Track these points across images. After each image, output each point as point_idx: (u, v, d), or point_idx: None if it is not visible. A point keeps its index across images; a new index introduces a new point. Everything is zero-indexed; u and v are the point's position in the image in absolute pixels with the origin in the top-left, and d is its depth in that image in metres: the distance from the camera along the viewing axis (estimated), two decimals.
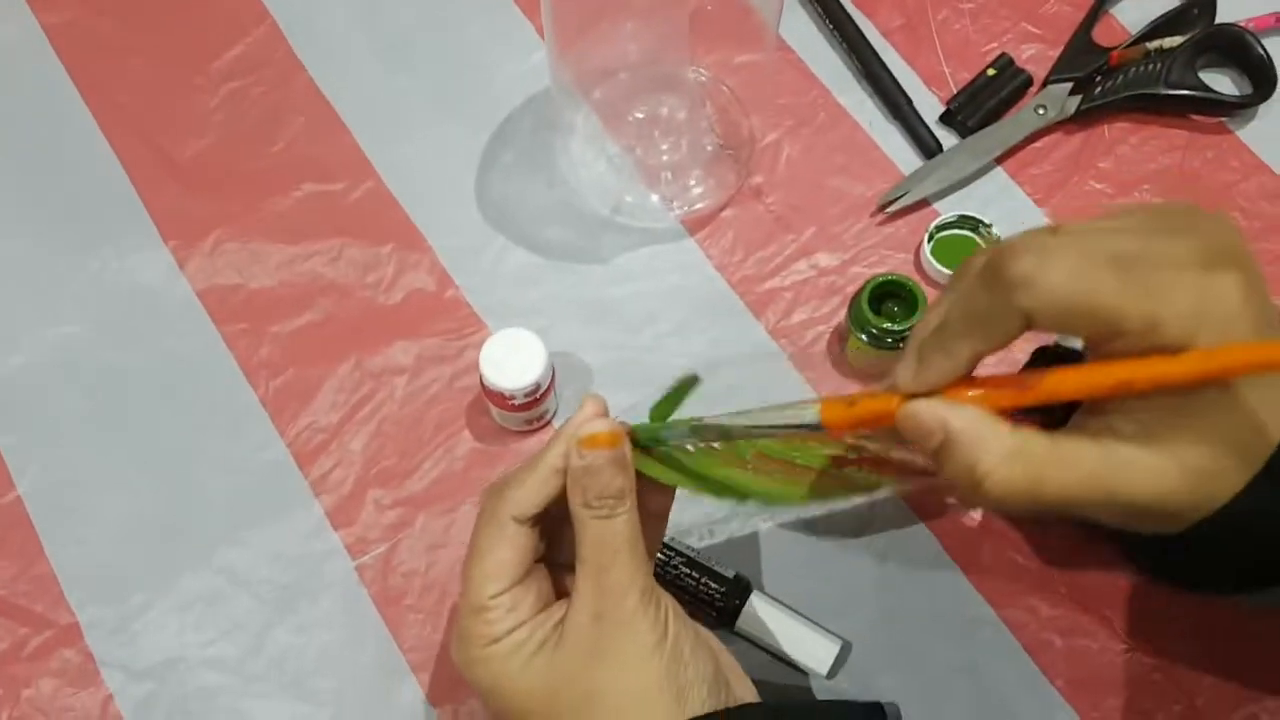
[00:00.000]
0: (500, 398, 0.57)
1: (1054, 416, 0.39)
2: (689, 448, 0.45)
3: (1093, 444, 0.36)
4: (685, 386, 0.45)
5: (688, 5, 0.62)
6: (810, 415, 0.40)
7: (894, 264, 0.65)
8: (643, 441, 0.45)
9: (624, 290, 0.65)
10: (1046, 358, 0.47)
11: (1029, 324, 0.35)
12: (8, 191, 0.68)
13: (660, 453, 0.45)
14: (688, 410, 0.45)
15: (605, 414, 0.44)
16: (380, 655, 0.57)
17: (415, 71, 0.71)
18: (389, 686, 0.56)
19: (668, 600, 0.43)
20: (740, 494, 0.45)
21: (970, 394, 0.37)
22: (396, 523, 0.60)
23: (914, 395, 0.38)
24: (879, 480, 0.46)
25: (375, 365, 0.63)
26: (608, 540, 0.41)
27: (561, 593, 0.45)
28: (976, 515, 0.59)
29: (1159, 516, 0.37)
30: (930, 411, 0.37)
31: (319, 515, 0.60)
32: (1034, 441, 0.36)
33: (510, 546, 0.43)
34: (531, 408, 0.58)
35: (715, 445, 0.45)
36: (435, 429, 0.62)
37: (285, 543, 0.59)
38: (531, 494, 0.43)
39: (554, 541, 0.46)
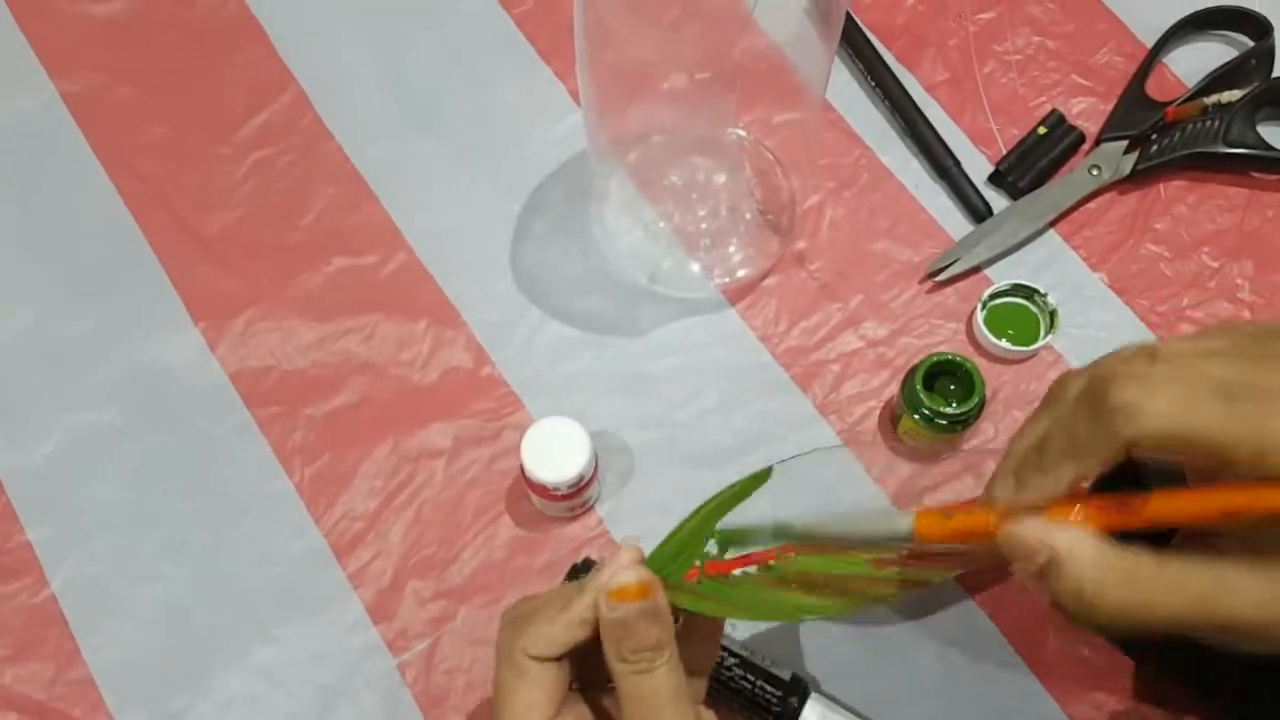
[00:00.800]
0: (544, 489, 0.55)
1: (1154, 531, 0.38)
2: (735, 573, 0.43)
3: (1201, 565, 0.35)
4: (757, 481, 0.44)
5: (730, 64, 0.60)
6: (904, 527, 0.40)
7: (945, 334, 0.63)
8: (673, 572, 0.43)
9: (664, 364, 0.63)
10: (1130, 469, 0.45)
11: (1131, 450, 0.34)
12: (29, 269, 0.67)
13: (696, 585, 0.43)
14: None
15: (640, 561, 0.42)
16: None
17: (445, 136, 0.70)
18: None
19: None
20: (788, 614, 0.43)
21: (1074, 513, 0.36)
22: (438, 616, 0.58)
23: (1012, 514, 0.37)
24: (920, 574, 0.45)
25: (412, 448, 0.62)
26: (648, 697, 0.39)
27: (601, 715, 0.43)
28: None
29: (1270, 640, 0.35)
30: (1035, 533, 0.36)
31: (358, 610, 0.58)
32: (1143, 563, 0.35)
33: (536, 686, 0.40)
34: (576, 496, 0.57)
35: (784, 558, 0.43)
36: (475, 514, 0.60)
37: (324, 639, 0.58)
38: (555, 639, 0.40)
39: (587, 666, 0.44)
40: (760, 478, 0.44)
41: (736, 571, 0.44)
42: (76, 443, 0.62)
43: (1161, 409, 0.33)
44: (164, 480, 0.62)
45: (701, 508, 0.44)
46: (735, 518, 0.44)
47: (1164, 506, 0.35)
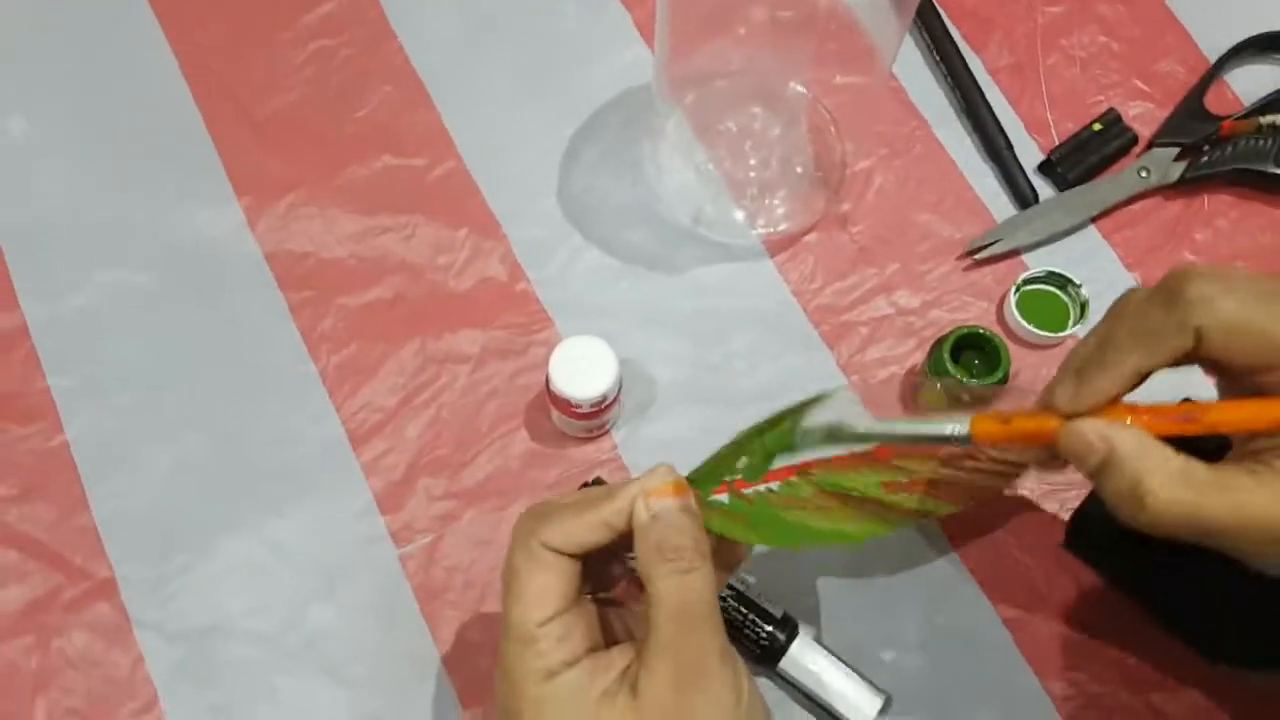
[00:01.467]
0: (566, 404, 0.56)
1: (1204, 452, 0.39)
2: (750, 493, 0.44)
3: (1253, 476, 0.37)
4: (817, 400, 0.45)
5: (809, 13, 0.60)
6: (960, 427, 0.41)
7: (975, 312, 0.64)
8: (704, 490, 0.44)
9: (697, 304, 0.64)
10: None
11: (1196, 345, 0.37)
12: (84, 130, 0.67)
13: (717, 504, 0.44)
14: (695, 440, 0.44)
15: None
16: (414, 648, 0.56)
17: (507, 52, 0.70)
18: (420, 680, 0.56)
19: (738, 658, 0.42)
20: (800, 535, 0.45)
21: (1132, 418, 0.38)
22: (444, 514, 0.59)
23: (1073, 415, 0.39)
24: (928, 503, 0.46)
25: (439, 351, 0.62)
26: (689, 601, 0.39)
27: (609, 636, 0.44)
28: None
29: None
30: (1096, 429, 0.38)
31: (368, 498, 0.59)
32: (1197, 467, 0.37)
33: (552, 571, 0.40)
34: (596, 417, 0.57)
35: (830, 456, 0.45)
36: (492, 424, 0.61)
37: (331, 521, 0.58)
38: (575, 535, 0.40)
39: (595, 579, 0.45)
40: (782, 416, 0.45)
41: (760, 488, 0.45)
42: (108, 300, 0.63)
43: (1234, 303, 0.36)
44: (190, 348, 0.62)
45: (737, 437, 0.45)
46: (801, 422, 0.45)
47: (1225, 413, 0.37)
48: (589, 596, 0.44)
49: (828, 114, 0.67)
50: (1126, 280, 0.65)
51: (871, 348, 0.63)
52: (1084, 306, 0.62)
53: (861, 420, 0.44)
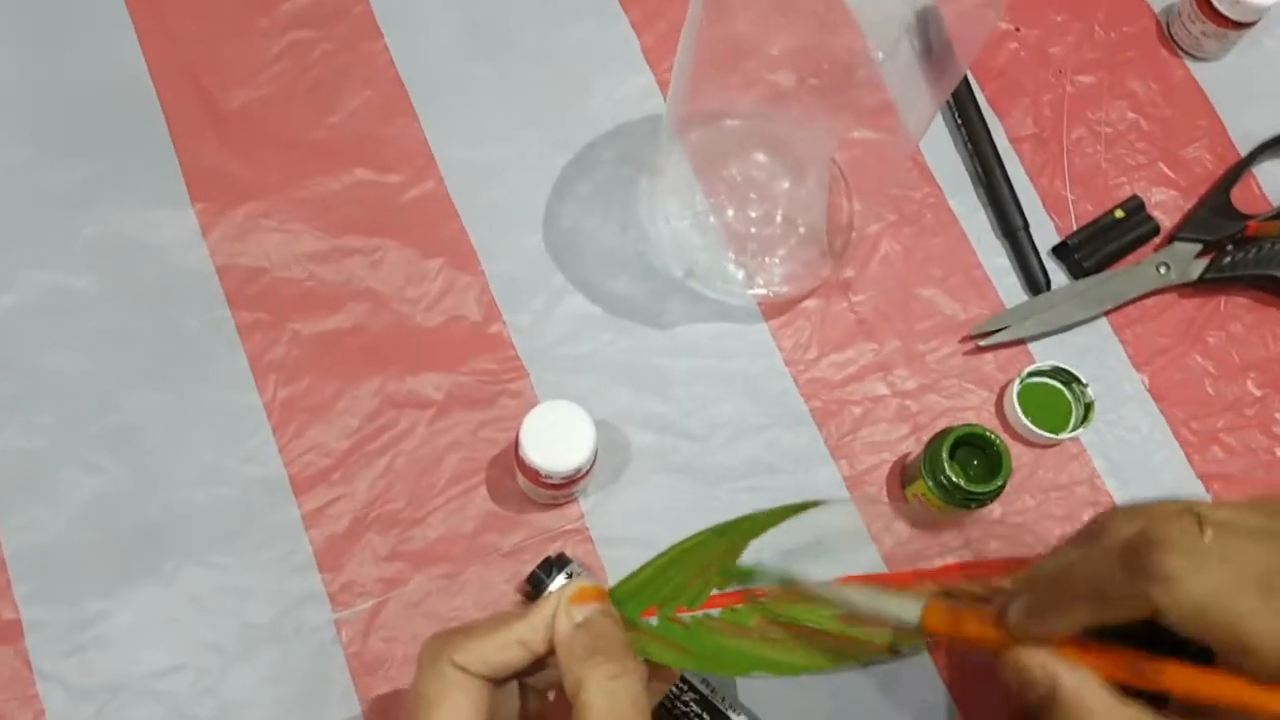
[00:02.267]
0: (534, 473, 0.51)
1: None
2: (687, 619, 0.41)
3: None
4: (723, 536, 0.41)
5: (841, 69, 0.55)
6: (911, 614, 0.39)
7: (974, 401, 0.60)
8: (630, 610, 0.40)
9: (683, 364, 0.59)
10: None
11: (1154, 616, 0.34)
12: (31, 104, 0.61)
13: (652, 625, 0.40)
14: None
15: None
16: None
17: (503, 66, 0.64)
18: None
19: None
20: (746, 666, 0.41)
21: (1084, 658, 0.36)
22: (390, 577, 0.54)
23: (1022, 639, 0.37)
24: (893, 639, 0.43)
25: (400, 393, 0.57)
26: (622, 710, 0.36)
27: None
28: None
29: None
30: (1042, 666, 0.36)
31: (306, 552, 0.54)
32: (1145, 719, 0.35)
33: (463, 694, 0.37)
34: (564, 488, 0.53)
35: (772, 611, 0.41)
36: (451, 479, 0.56)
37: (262, 575, 0.53)
38: (487, 654, 0.37)
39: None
40: (726, 531, 0.41)
41: (698, 613, 0.41)
42: (41, 303, 0.57)
43: (1202, 589, 0.33)
44: (125, 363, 0.56)
45: (669, 550, 0.41)
46: (748, 555, 0.41)
47: (1178, 680, 0.35)
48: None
49: (839, 170, 0.63)
50: (1133, 380, 0.61)
51: (864, 430, 0.59)
52: (1089, 408, 0.58)
53: (820, 571, 0.40)
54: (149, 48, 0.62)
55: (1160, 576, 0.33)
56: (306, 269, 0.59)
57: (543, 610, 0.38)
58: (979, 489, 0.53)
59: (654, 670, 0.40)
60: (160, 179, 0.60)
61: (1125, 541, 0.35)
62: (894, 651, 0.43)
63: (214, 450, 0.55)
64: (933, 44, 0.49)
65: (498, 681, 0.38)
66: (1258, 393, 0.62)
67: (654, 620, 0.41)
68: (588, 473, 0.53)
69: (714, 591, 0.42)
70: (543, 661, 0.38)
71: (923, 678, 0.55)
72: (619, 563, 0.55)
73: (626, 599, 0.40)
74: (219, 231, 0.59)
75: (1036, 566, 0.38)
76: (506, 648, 0.37)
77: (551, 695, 0.42)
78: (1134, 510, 0.37)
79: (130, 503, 0.54)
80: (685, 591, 0.41)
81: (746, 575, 0.41)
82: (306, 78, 0.63)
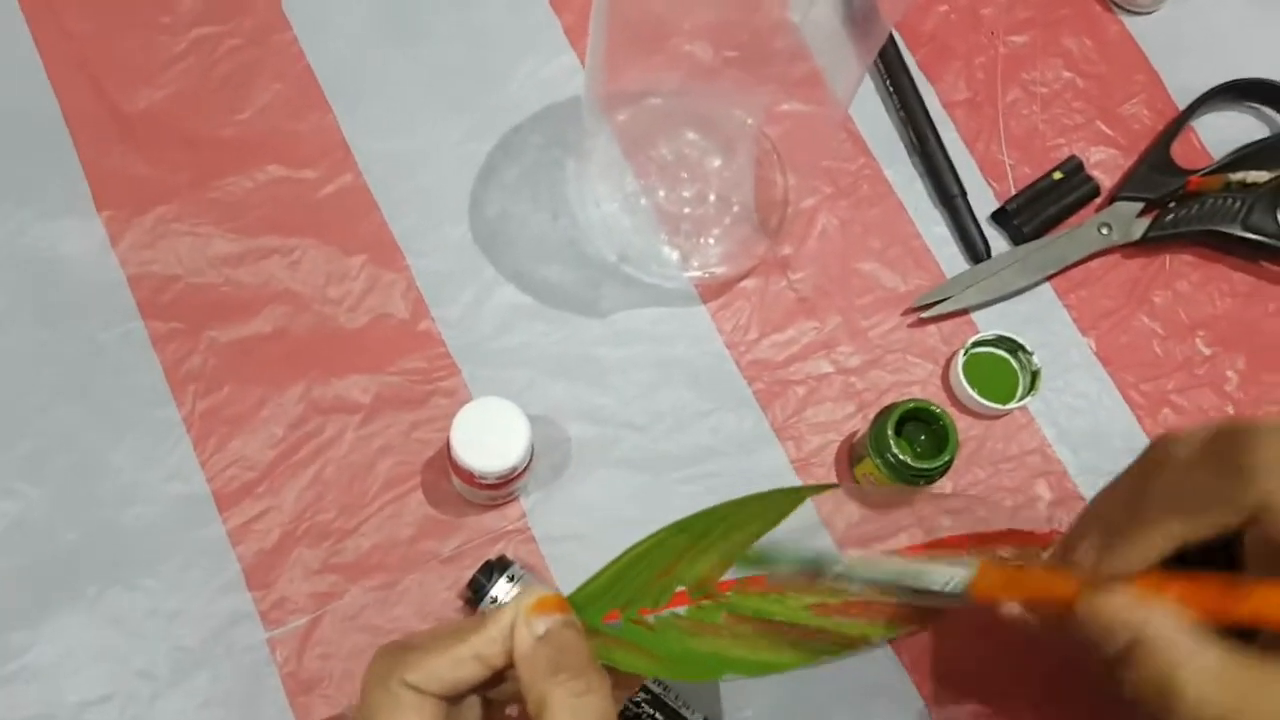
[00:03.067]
0: (468, 474, 0.49)
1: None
2: (651, 620, 0.39)
3: None
4: (684, 530, 0.39)
5: (757, 49, 0.54)
6: (959, 579, 0.35)
7: (919, 374, 0.59)
8: (590, 616, 0.38)
9: (621, 353, 0.58)
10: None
11: (1259, 514, 0.31)
12: None
13: (616, 628, 0.38)
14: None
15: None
16: None
17: (418, 52, 0.62)
18: None
19: None
20: (715, 667, 0.39)
21: (1169, 591, 0.32)
22: (323, 592, 0.52)
23: (1094, 584, 0.33)
24: (865, 628, 0.41)
25: (326, 397, 0.55)
26: None
27: None
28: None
29: None
30: (1123, 610, 0.32)
31: (234, 570, 0.52)
32: (1239, 662, 0.32)
33: (417, 714, 0.34)
34: (501, 488, 0.51)
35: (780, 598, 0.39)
36: (385, 485, 0.54)
37: (189, 596, 0.51)
38: (440, 671, 0.35)
39: None
40: (687, 527, 0.39)
41: (664, 613, 0.39)
42: None
43: None
44: (35, 383, 0.54)
45: (627, 551, 0.39)
46: (768, 538, 0.39)
47: (1270, 602, 0.31)
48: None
49: (771, 145, 0.61)
50: (1079, 345, 0.60)
51: (809, 410, 0.57)
52: (1035, 375, 0.57)
53: (839, 553, 0.38)
54: (45, 49, 0.59)
55: (1261, 466, 0.31)
56: (221, 273, 0.56)
57: (500, 621, 0.35)
58: (926, 465, 0.52)
59: (616, 678, 0.38)
60: (63, 187, 0.57)
61: (1209, 438, 0.32)
62: (865, 643, 0.42)
63: (133, 469, 0.53)
64: (855, 3, 0.47)
65: (454, 699, 0.36)
66: (1207, 351, 0.61)
67: (618, 623, 0.38)
68: (525, 470, 0.51)
69: (684, 591, 0.39)
70: (502, 675, 0.36)
71: (882, 664, 0.53)
72: (564, 560, 0.54)
73: (586, 604, 0.38)
74: (128, 239, 0.56)
75: (1095, 502, 0.36)
76: (462, 664, 0.35)
77: (513, 710, 0.40)
78: (1196, 428, 0.34)
79: (48, 528, 0.52)
80: (648, 592, 0.39)
81: (762, 559, 0.39)
82: (213, 75, 0.60)
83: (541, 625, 0.35)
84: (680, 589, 0.40)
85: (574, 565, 0.53)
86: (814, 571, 0.38)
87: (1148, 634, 0.32)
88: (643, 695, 0.49)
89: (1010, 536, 0.46)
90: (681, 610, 0.39)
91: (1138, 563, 0.33)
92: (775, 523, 0.40)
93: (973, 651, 0.53)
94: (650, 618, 0.39)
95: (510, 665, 0.35)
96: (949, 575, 0.35)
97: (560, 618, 0.35)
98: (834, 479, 0.57)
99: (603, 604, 0.38)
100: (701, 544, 0.39)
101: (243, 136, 0.59)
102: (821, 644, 0.41)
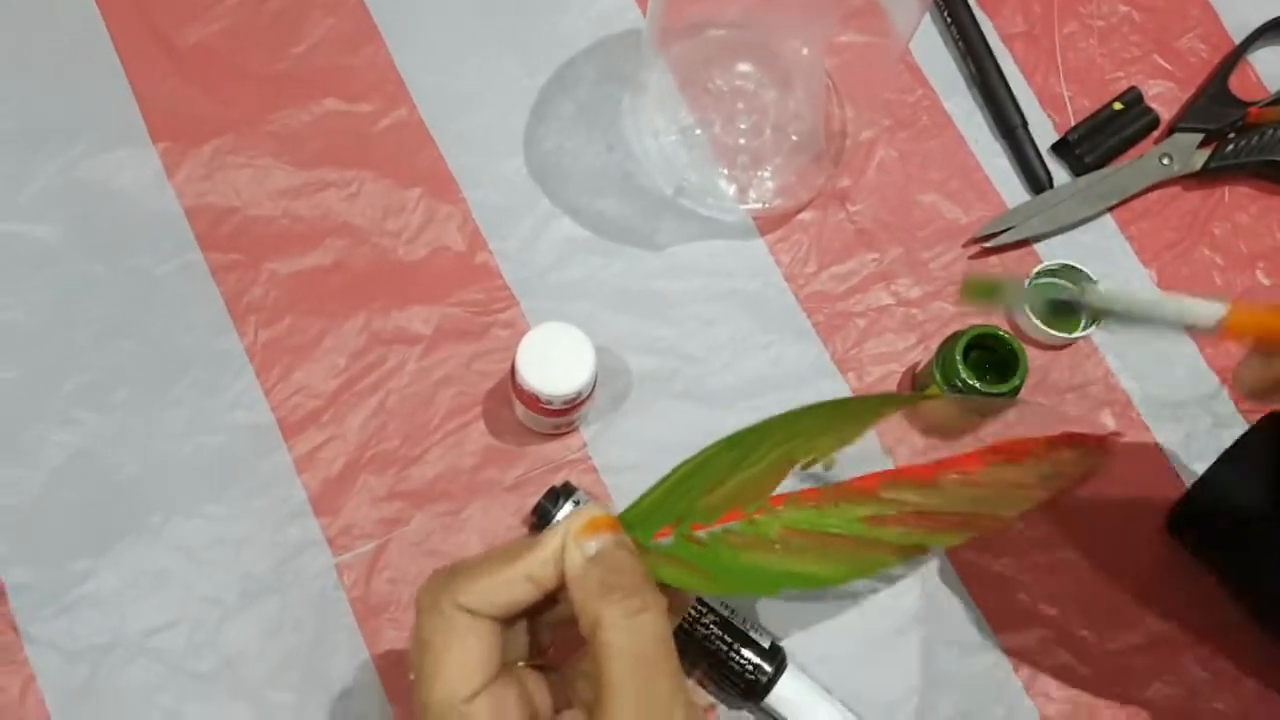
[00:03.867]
0: (534, 400, 0.49)
1: None
2: (704, 535, 0.38)
3: None
4: (734, 445, 0.38)
5: None
6: (1210, 316, 0.34)
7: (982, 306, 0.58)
8: (643, 534, 0.37)
9: (679, 285, 0.57)
10: None
11: None
12: None
13: (669, 545, 0.38)
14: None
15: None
16: (352, 673, 0.49)
17: None
18: (356, 711, 0.49)
19: (699, 703, 0.35)
20: (769, 583, 0.39)
21: None
22: (389, 518, 0.52)
23: None
24: (922, 538, 0.41)
25: (386, 329, 0.55)
26: (645, 647, 0.33)
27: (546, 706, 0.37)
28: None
29: None
30: None
31: (300, 498, 0.51)
32: None
33: (471, 638, 0.34)
34: (564, 414, 0.50)
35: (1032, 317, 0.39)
36: (446, 415, 0.54)
37: (256, 524, 0.51)
38: (494, 593, 0.34)
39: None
40: (738, 442, 0.38)
41: (716, 529, 0.38)
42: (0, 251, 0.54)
43: None
44: (95, 315, 0.54)
45: (678, 468, 0.38)
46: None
47: None
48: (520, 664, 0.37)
49: (828, 77, 0.60)
50: (1141, 276, 0.60)
51: (870, 342, 0.57)
52: None
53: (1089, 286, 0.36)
54: None
55: None
56: (280, 205, 0.56)
57: (551, 542, 0.35)
58: (996, 389, 0.52)
59: (667, 597, 0.37)
60: (118, 119, 0.57)
61: None
62: (919, 552, 0.41)
63: (196, 398, 0.53)
64: None
65: (507, 621, 0.35)
66: (1267, 282, 0.60)
67: (669, 540, 0.38)
68: (589, 397, 0.50)
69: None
70: (554, 596, 0.35)
71: (942, 585, 0.53)
72: (625, 490, 0.53)
73: (637, 522, 0.37)
74: (184, 171, 0.56)
75: None
76: (514, 585, 0.34)
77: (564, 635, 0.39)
78: None
79: (111, 458, 0.51)
80: (700, 508, 0.38)
81: (988, 289, 0.39)
82: (266, 8, 0.60)
83: (593, 545, 0.34)
84: (733, 504, 0.39)
85: (634, 495, 0.52)
86: (1064, 307, 0.36)
87: None
88: (711, 618, 0.49)
89: (1071, 439, 0.45)
90: (734, 525, 0.39)
91: None
92: (855, 435, 0.40)
93: (1040, 586, 0.53)
94: (702, 533, 0.38)
95: (563, 586, 0.35)
96: (1204, 312, 0.34)
97: (611, 537, 0.35)
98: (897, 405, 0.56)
99: (654, 521, 0.38)
100: (754, 457, 0.39)
101: (297, 71, 0.59)
102: (876, 556, 0.41)
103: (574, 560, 0.34)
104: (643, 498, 0.38)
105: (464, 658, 0.34)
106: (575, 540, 0.34)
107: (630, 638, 0.33)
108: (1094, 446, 0.44)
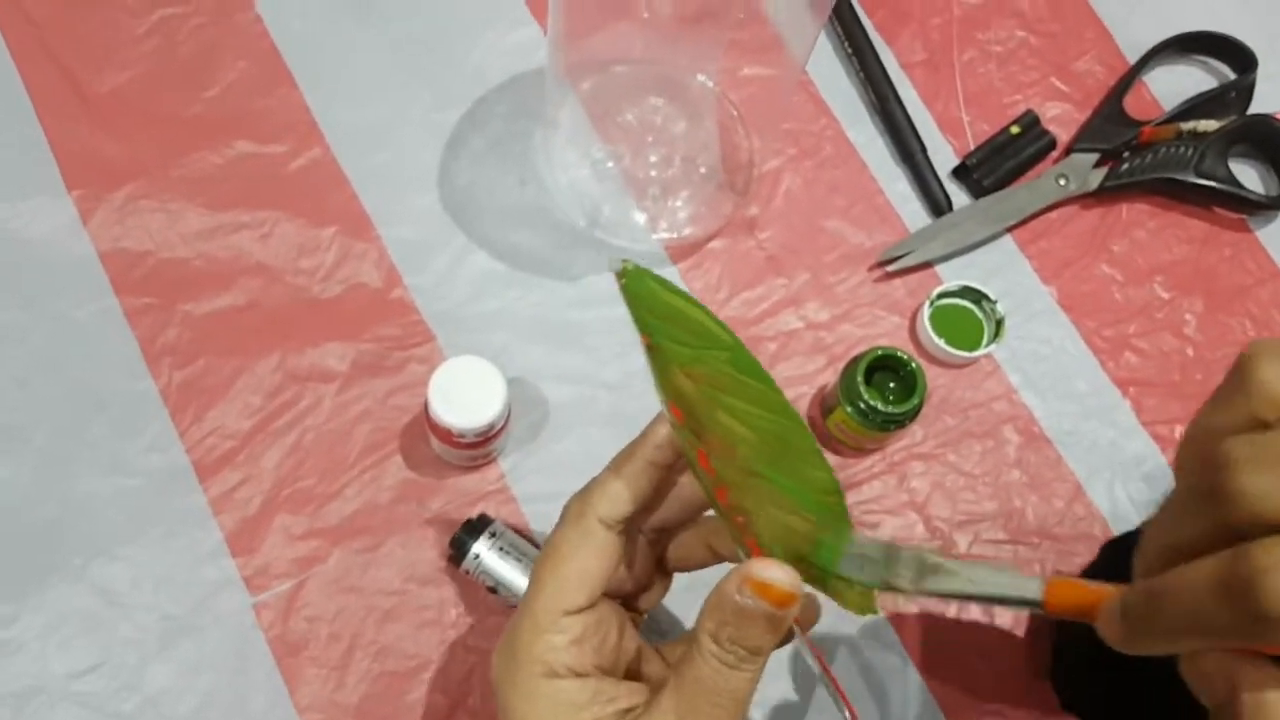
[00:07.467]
0: (446, 433, 0.50)
1: None
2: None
3: None
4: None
5: (717, 9, 0.55)
6: (1033, 590, 0.33)
7: (887, 327, 0.60)
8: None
9: (593, 315, 0.58)
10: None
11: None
12: None
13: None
14: None
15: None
16: (272, 712, 0.50)
17: (383, 24, 0.62)
18: None
19: None
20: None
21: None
22: (306, 556, 0.52)
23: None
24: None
25: (301, 367, 0.55)
26: (721, 694, 0.34)
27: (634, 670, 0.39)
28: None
29: None
30: (1217, 665, 0.28)
31: (217, 538, 0.52)
32: None
33: (596, 554, 0.37)
34: (479, 447, 0.51)
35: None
36: (363, 450, 0.54)
37: (174, 565, 0.51)
38: (622, 492, 0.37)
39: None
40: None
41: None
42: None
43: None
44: (10, 361, 0.54)
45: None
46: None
47: None
48: (618, 604, 0.40)
49: (734, 109, 0.62)
50: (1041, 294, 0.62)
51: (780, 364, 0.59)
52: (1000, 324, 0.59)
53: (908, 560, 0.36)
54: (8, 34, 0.59)
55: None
56: (193, 248, 0.57)
57: (655, 427, 0.37)
58: (897, 410, 0.53)
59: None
60: (32, 168, 0.57)
61: (1218, 574, 0.26)
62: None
63: (112, 442, 0.53)
64: None
65: (634, 523, 0.38)
66: (1165, 295, 0.62)
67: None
68: (502, 429, 0.52)
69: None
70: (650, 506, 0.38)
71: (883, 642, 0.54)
72: (545, 519, 0.54)
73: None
74: (99, 216, 0.57)
75: (1152, 533, 0.29)
76: (638, 476, 0.37)
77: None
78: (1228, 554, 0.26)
79: (30, 501, 0.52)
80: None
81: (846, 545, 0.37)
82: (178, 54, 0.61)
83: (753, 603, 0.34)
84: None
85: (554, 524, 0.54)
86: (891, 559, 0.36)
87: (1242, 694, 0.28)
88: None
89: None
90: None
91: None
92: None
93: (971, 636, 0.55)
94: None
95: (674, 471, 0.37)
96: (1028, 588, 0.33)
97: (767, 607, 0.34)
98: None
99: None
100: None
101: (210, 114, 0.59)
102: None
103: (729, 596, 0.34)
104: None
105: (583, 568, 0.36)
106: (738, 584, 0.34)
107: (716, 677, 0.34)
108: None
